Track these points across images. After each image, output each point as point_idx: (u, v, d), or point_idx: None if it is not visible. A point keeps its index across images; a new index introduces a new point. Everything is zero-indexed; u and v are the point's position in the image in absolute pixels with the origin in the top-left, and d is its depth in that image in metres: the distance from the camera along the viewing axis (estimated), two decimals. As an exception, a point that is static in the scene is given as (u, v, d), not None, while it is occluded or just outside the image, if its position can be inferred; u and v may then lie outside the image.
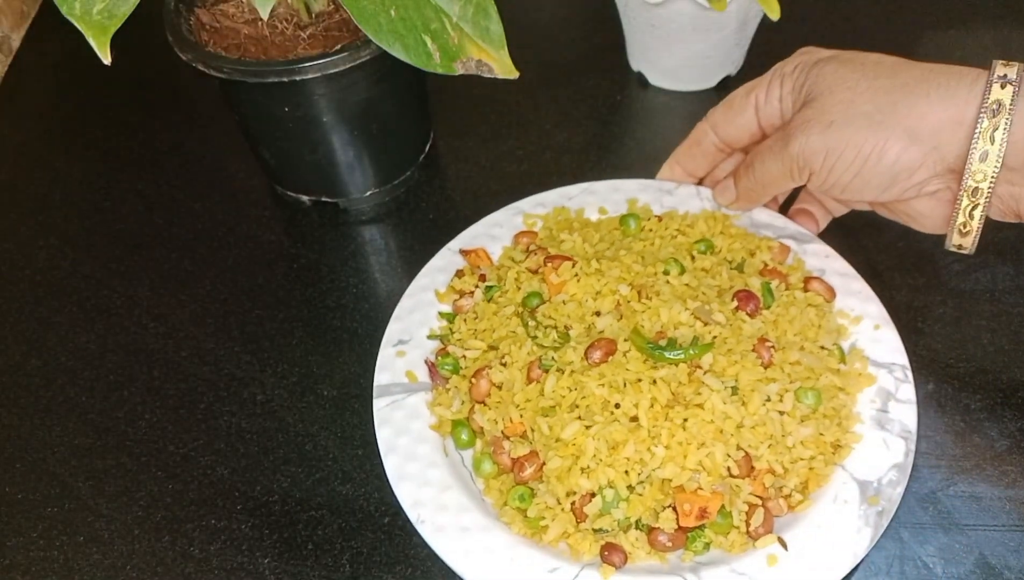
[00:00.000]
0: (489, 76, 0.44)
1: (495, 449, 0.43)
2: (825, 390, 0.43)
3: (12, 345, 0.53)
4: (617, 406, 0.41)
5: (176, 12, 0.51)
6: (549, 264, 0.47)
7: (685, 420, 0.41)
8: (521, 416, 0.43)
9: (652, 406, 0.41)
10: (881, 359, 0.45)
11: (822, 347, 0.45)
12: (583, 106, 0.64)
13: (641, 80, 0.65)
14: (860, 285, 0.48)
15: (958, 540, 0.42)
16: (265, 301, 0.54)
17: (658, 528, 0.40)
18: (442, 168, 0.61)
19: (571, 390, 0.42)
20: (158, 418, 0.49)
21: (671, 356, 0.42)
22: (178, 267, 0.56)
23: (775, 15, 0.48)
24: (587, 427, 0.41)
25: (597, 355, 0.43)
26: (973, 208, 0.42)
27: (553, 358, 0.44)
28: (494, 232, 0.52)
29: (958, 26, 0.67)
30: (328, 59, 0.48)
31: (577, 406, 0.42)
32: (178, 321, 0.53)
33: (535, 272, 0.48)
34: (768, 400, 0.42)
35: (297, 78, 0.48)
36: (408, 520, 0.41)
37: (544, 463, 0.41)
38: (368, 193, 0.58)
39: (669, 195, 0.52)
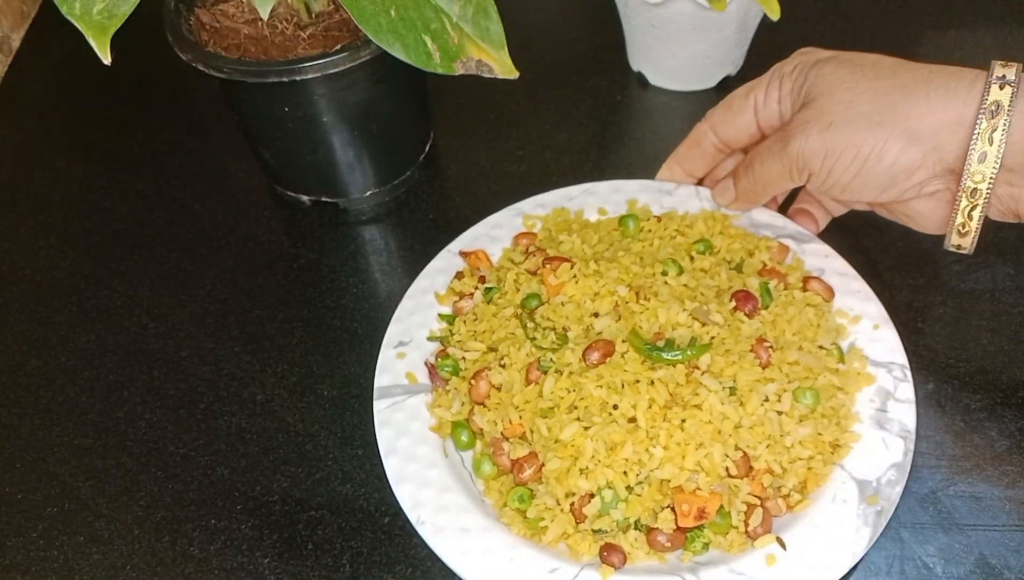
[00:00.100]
0: (489, 76, 0.44)
1: (495, 450, 0.43)
2: (824, 390, 0.43)
3: (12, 345, 0.53)
4: (615, 407, 0.41)
5: (176, 12, 0.51)
6: (548, 265, 0.47)
7: (683, 421, 0.41)
8: (520, 417, 0.43)
9: (650, 407, 0.41)
10: (880, 358, 0.45)
11: (821, 347, 0.45)
12: (583, 106, 0.64)
13: (641, 80, 0.65)
14: (859, 285, 0.48)
15: (958, 540, 0.42)
16: (265, 301, 0.54)
17: (657, 528, 0.40)
18: (442, 168, 0.61)
19: (570, 391, 0.42)
20: (158, 418, 0.49)
21: (669, 357, 0.42)
22: (178, 267, 0.56)
23: (775, 15, 0.48)
24: (586, 428, 0.41)
25: (595, 356, 0.43)
26: (972, 209, 0.42)
27: (552, 359, 0.44)
28: (494, 233, 0.52)
29: (958, 26, 0.67)
30: (328, 59, 0.48)
31: (576, 407, 0.42)
32: (178, 321, 0.53)
33: (534, 273, 0.48)
34: (766, 400, 0.42)
35: (297, 78, 0.48)
36: (408, 520, 0.41)
37: (543, 464, 0.41)
38: (368, 193, 0.58)
39: (668, 195, 0.52)
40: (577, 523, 0.40)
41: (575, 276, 0.46)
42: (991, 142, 0.40)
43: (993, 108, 0.40)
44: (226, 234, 0.58)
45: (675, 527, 0.40)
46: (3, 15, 0.71)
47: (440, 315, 0.49)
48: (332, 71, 0.48)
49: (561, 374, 0.43)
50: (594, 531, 0.40)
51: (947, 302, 0.51)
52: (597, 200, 0.53)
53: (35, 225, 0.60)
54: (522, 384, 0.43)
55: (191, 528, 0.45)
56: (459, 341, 0.47)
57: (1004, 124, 0.40)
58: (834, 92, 0.43)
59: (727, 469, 0.40)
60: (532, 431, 0.42)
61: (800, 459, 0.41)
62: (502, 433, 0.43)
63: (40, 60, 0.72)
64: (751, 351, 0.43)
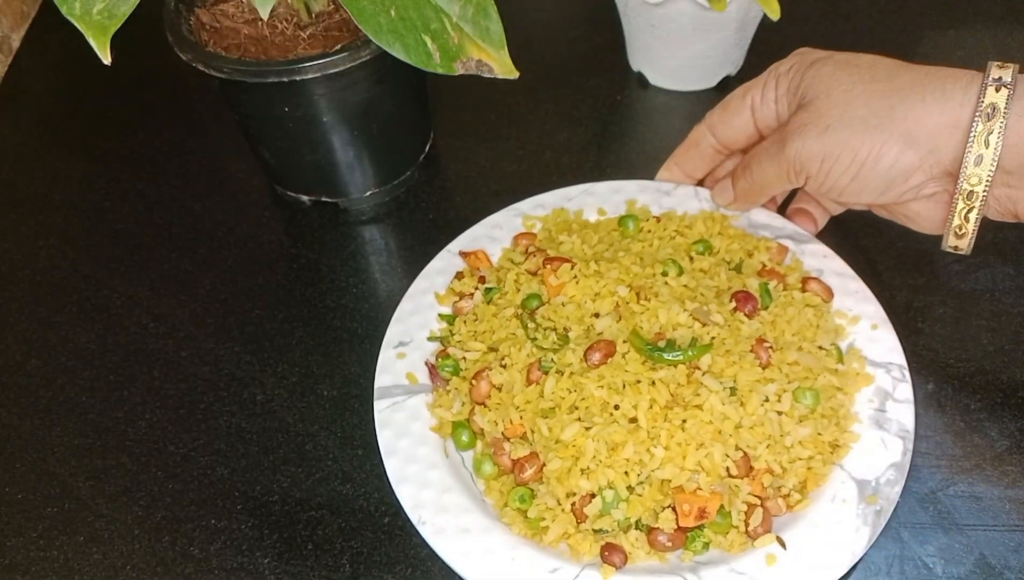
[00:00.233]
0: (489, 76, 0.44)
1: (495, 450, 0.43)
2: (823, 390, 0.43)
3: (12, 345, 0.53)
4: (616, 407, 0.42)
5: (176, 12, 0.51)
6: (548, 266, 0.47)
7: (684, 421, 0.41)
8: (521, 418, 0.43)
9: (651, 407, 0.41)
10: (879, 359, 0.45)
11: (820, 347, 0.45)
12: (583, 106, 0.64)
13: (641, 80, 0.65)
14: (857, 285, 0.48)
15: (958, 540, 0.42)
16: (265, 301, 0.54)
17: (658, 528, 0.40)
18: (442, 168, 0.61)
19: (571, 391, 0.42)
20: (158, 418, 0.49)
21: (670, 357, 0.42)
22: (178, 267, 0.56)
23: (775, 15, 0.48)
24: (587, 428, 0.41)
25: (596, 357, 0.43)
26: (968, 211, 0.42)
27: (552, 360, 0.44)
28: (494, 234, 0.52)
29: (958, 26, 0.67)
30: (328, 59, 0.48)
31: (577, 407, 0.42)
32: (178, 321, 0.53)
33: (534, 274, 0.48)
34: (766, 400, 0.42)
35: (297, 78, 0.48)
36: (408, 520, 0.41)
37: (544, 464, 0.41)
38: (368, 193, 0.58)
39: (667, 196, 0.52)
40: (578, 523, 0.41)
41: (576, 276, 0.46)
42: (987, 145, 0.40)
43: (989, 111, 0.39)
44: (226, 234, 0.58)
45: (676, 527, 0.40)
46: (3, 15, 0.71)
47: (440, 315, 0.49)
48: (332, 71, 0.48)
49: (562, 374, 0.43)
50: (595, 531, 0.40)
51: (947, 302, 0.51)
52: (596, 200, 0.53)
53: (35, 225, 0.60)
54: (523, 384, 0.43)
55: (191, 528, 0.45)
56: (459, 341, 0.47)
57: (1000, 127, 0.39)
58: (831, 94, 0.43)
59: (727, 469, 0.40)
60: (533, 431, 0.42)
61: (800, 459, 0.41)
62: (503, 433, 0.43)
63: (40, 60, 0.72)
64: (751, 351, 0.43)
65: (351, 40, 0.49)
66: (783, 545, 0.40)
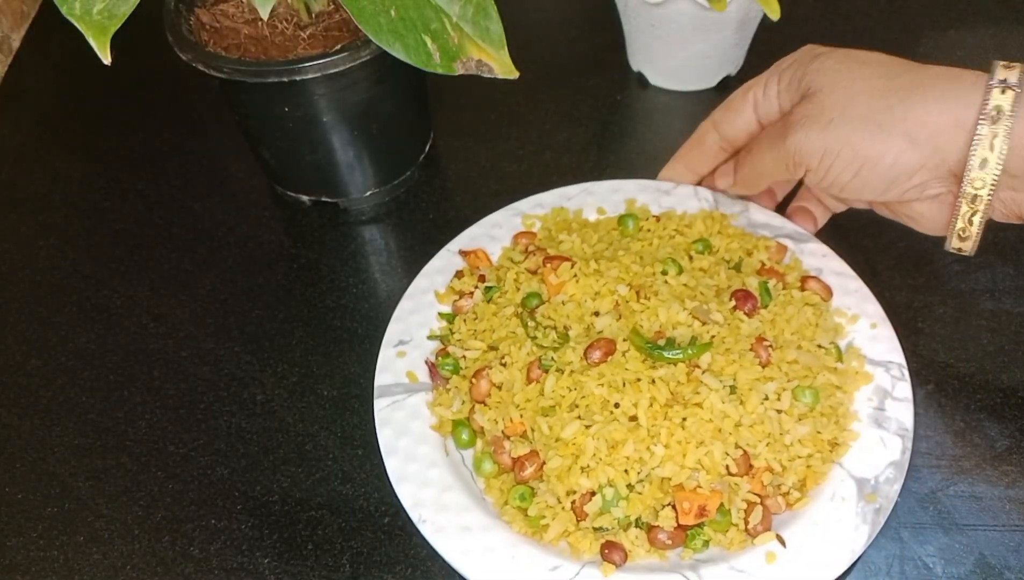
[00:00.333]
0: (489, 76, 0.44)
1: (495, 449, 0.43)
2: (822, 388, 0.43)
3: (12, 345, 0.53)
4: (616, 406, 0.42)
5: (176, 12, 0.51)
6: (548, 265, 0.47)
7: (684, 419, 0.41)
8: (521, 416, 0.43)
9: (651, 405, 0.41)
10: (878, 357, 0.45)
11: (819, 346, 0.45)
12: (583, 106, 0.64)
13: (641, 80, 0.65)
14: (857, 284, 0.48)
15: (958, 540, 0.42)
16: (265, 301, 0.54)
17: (658, 526, 0.40)
18: (442, 168, 0.61)
19: (571, 390, 0.42)
20: (158, 418, 0.49)
21: (670, 356, 0.42)
22: (178, 267, 0.56)
23: (775, 15, 0.48)
24: (587, 427, 0.41)
25: (596, 355, 0.43)
26: (972, 214, 0.42)
27: (553, 358, 0.44)
28: (493, 233, 0.52)
29: (958, 26, 0.67)
30: (328, 59, 0.48)
31: (577, 406, 0.42)
32: (178, 321, 0.53)
33: (534, 273, 0.48)
34: (766, 399, 0.42)
35: (297, 78, 0.48)
36: (408, 520, 0.41)
37: (544, 462, 0.41)
38: (368, 193, 0.58)
39: (667, 195, 0.53)
40: (578, 521, 0.41)
41: (576, 275, 0.46)
42: (992, 148, 0.39)
43: (994, 113, 0.39)
44: (226, 234, 0.58)
45: (676, 525, 0.40)
46: (3, 15, 0.71)
47: (440, 314, 0.49)
48: (332, 71, 0.48)
49: (562, 373, 0.43)
50: (595, 529, 0.40)
51: (947, 302, 0.51)
52: (596, 200, 0.53)
53: (35, 225, 0.60)
54: (523, 383, 0.43)
55: (191, 528, 0.45)
56: (459, 340, 0.47)
57: (1005, 130, 0.39)
58: (835, 88, 0.43)
59: (727, 467, 0.40)
60: (533, 429, 0.42)
61: (799, 457, 0.41)
62: (503, 431, 0.43)
63: (40, 60, 0.72)
64: (751, 350, 0.43)
65: (351, 40, 0.49)
66: (783, 543, 0.40)
